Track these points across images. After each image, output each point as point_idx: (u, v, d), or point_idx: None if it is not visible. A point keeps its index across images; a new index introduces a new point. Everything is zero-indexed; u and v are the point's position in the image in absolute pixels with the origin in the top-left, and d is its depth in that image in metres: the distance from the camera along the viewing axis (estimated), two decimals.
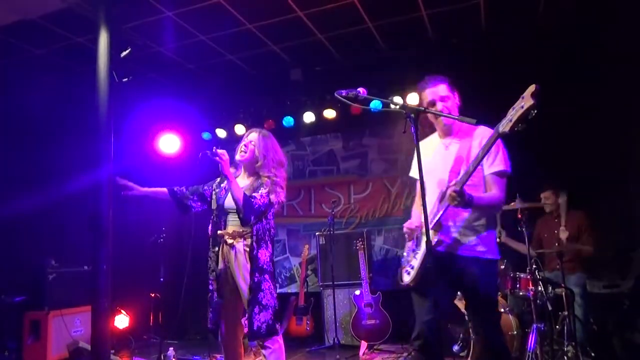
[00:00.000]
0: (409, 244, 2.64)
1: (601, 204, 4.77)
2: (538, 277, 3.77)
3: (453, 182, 2.31)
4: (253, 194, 2.93)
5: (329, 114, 6.09)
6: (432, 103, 2.56)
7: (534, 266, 3.74)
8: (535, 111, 2.00)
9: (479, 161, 2.26)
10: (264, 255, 2.96)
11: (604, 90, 4.87)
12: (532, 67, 4.90)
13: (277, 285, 3.08)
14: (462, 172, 2.39)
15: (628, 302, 4.44)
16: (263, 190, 2.96)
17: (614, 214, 4.85)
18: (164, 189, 3.26)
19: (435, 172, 2.55)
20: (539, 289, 3.74)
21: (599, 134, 4.91)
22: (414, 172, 2.75)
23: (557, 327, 3.96)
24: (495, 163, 2.45)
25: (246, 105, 6.39)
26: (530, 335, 3.62)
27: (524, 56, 4.99)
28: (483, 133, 2.44)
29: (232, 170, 4.10)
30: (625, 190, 4.88)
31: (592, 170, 4.89)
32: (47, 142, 5.63)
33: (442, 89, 2.57)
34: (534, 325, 3.61)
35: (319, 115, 6.15)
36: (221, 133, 6.47)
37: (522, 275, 3.90)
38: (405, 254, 2.67)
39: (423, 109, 2.23)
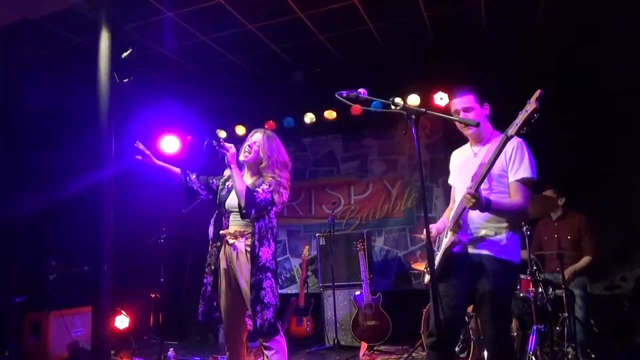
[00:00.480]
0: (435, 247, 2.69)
1: (601, 205, 4.77)
2: (538, 278, 3.77)
3: (469, 185, 2.34)
4: (256, 189, 2.95)
5: (330, 114, 6.09)
6: (457, 112, 2.63)
7: (534, 267, 3.74)
8: (537, 115, 2.06)
9: (490, 164, 2.29)
10: (265, 253, 2.95)
11: (604, 91, 4.87)
12: (532, 68, 4.91)
13: (278, 285, 3.07)
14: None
15: (628, 304, 4.44)
16: (265, 187, 2.97)
17: (614, 215, 4.85)
18: (177, 169, 3.23)
19: (461, 178, 2.65)
20: (539, 290, 3.74)
21: (598, 135, 4.91)
22: (452, 180, 2.89)
23: (558, 328, 3.95)
24: (520, 170, 2.47)
25: (247, 106, 6.39)
26: (531, 337, 3.62)
27: (524, 57, 4.99)
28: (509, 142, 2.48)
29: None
30: (625, 191, 4.88)
31: (592, 170, 4.89)
32: (47, 142, 5.64)
33: (467, 100, 2.63)
34: (534, 327, 3.60)
35: (319, 116, 6.16)
36: (222, 134, 6.48)
37: (522, 277, 3.89)
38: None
39: (424, 110, 2.22)
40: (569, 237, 4.40)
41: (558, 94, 5.00)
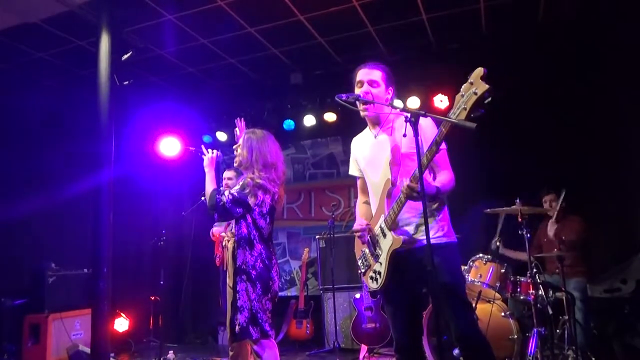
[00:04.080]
0: (364, 248, 2.51)
1: (601, 207, 4.77)
2: (538, 281, 3.76)
3: (411, 178, 2.15)
4: (224, 191, 2.94)
5: (330, 117, 6.09)
6: (360, 83, 2.49)
7: (534, 270, 3.73)
8: (490, 97, 1.90)
9: (433, 154, 2.12)
10: (242, 255, 2.90)
11: (604, 94, 4.88)
12: (532, 71, 4.91)
13: (263, 288, 2.89)
14: (402, 164, 2.30)
15: (628, 307, 4.43)
16: (237, 188, 2.94)
17: (614, 218, 4.84)
18: None
19: (374, 165, 2.50)
20: (540, 293, 3.73)
21: (598, 137, 4.91)
22: (356, 170, 2.68)
23: (558, 331, 3.95)
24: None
25: (247, 109, 6.39)
26: (531, 340, 3.61)
27: (524, 60, 5.00)
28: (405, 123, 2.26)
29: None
30: (625, 194, 4.88)
31: (592, 173, 4.89)
32: (47, 144, 5.65)
33: (374, 74, 2.49)
34: (535, 330, 3.60)
35: (319, 118, 6.16)
36: (221, 136, 6.48)
37: (522, 279, 3.89)
38: (362, 259, 2.53)
39: (423, 112, 2.17)
40: (568, 240, 4.39)
41: (558, 97, 5.03)
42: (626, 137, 4.82)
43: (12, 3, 4.26)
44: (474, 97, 1.91)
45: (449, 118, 2.12)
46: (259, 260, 2.90)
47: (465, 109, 1.94)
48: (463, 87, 1.96)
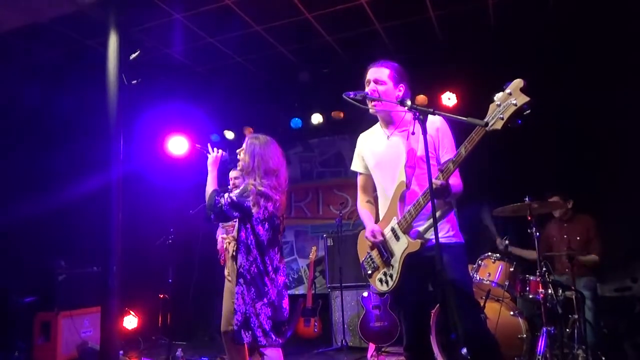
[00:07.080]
0: (370, 251, 2.51)
1: (610, 206, 4.73)
2: (548, 280, 3.73)
3: (438, 177, 2.15)
4: (224, 194, 2.95)
5: (337, 115, 6.09)
6: (368, 82, 2.49)
7: (543, 269, 3.71)
8: (529, 109, 1.89)
9: (462, 158, 2.10)
10: (240, 259, 2.92)
11: (612, 92, 4.83)
12: (541, 68, 4.87)
13: (256, 292, 2.87)
14: (421, 165, 2.27)
15: (639, 306, 4.40)
16: (236, 192, 2.94)
17: (625, 216, 4.80)
18: None
19: (387, 166, 2.48)
20: (549, 291, 3.70)
21: (606, 136, 4.87)
22: (362, 167, 2.67)
23: (567, 330, 3.91)
24: (450, 150, 2.36)
25: (254, 107, 6.41)
26: (540, 339, 3.59)
27: (533, 57, 4.96)
28: (430, 124, 2.28)
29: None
30: (634, 192, 4.83)
31: (600, 171, 4.85)
32: (57, 144, 5.68)
33: (380, 72, 2.48)
34: (544, 329, 3.57)
35: (326, 116, 6.15)
36: (229, 135, 6.50)
37: (531, 278, 3.86)
38: (367, 261, 2.53)
39: (432, 110, 2.15)
40: (578, 239, 4.36)
41: (567, 94, 4.98)
42: (635, 136, 4.77)
43: (23, 2, 4.29)
44: (513, 108, 1.90)
45: (459, 117, 2.10)
46: (253, 265, 2.89)
47: (502, 118, 1.93)
48: (499, 96, 1.95)
